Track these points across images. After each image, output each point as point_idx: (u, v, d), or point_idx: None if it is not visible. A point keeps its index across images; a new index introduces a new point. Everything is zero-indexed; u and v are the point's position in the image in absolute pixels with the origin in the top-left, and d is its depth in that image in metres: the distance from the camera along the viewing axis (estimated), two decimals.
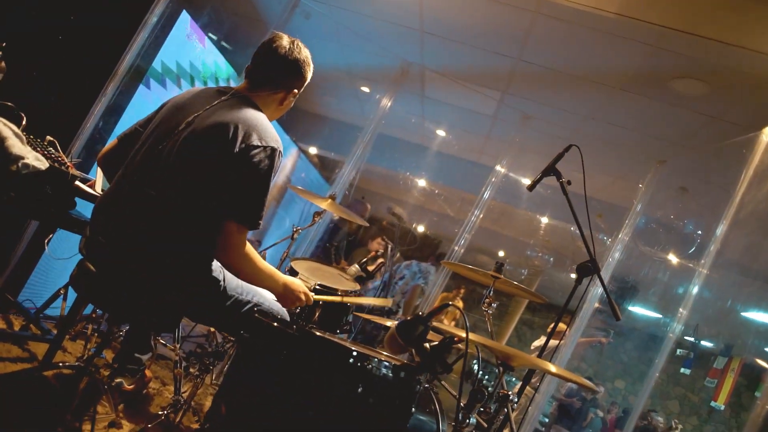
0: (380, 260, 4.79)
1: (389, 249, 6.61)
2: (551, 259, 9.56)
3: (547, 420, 8.66)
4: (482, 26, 4.11)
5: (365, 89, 6.07)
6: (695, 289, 2.97)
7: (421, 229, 10.61)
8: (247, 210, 1.93)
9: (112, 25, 3.46)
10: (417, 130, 6.79)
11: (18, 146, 2.15)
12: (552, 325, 2.81)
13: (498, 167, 5.16)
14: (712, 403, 14.45)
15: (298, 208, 7.18)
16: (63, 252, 3.31)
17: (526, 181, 5.72)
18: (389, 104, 5.19)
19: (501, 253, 11.44)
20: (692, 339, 14.75)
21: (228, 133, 1.90)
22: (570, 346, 4.30)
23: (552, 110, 5.01)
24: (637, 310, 8.95)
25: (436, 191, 8.65)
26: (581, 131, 5.12)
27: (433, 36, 4.49)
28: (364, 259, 3.48)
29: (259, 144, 1.93)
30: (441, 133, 6.63)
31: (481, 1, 3.72)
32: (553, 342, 5.60)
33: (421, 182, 8.54)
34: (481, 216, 5.37)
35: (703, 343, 15.17)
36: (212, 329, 3.59)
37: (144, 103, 3.84)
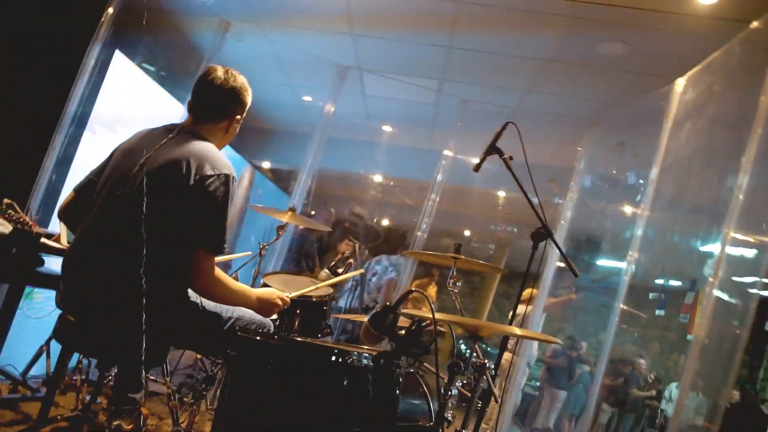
0: (349, 261, 4.91)
1: (356, 248, 6.76)
2: (515, 229, 9.80)
3: (538, 384, 8.85)
4: (410, 21, 4.25)
5: (308, 98, 6.19)
6: (639, 231, 3.15)
7: (385, 222, 10.78)
8: (210, 237, 2.04)
9: (49, 76, 3.50)
10: (364, 129, 6.96)
11: None
12: (520, 292, 2.98)
13: (446, 152, 5.34)
14: (688, 337, 14.95)
15: (261, 224, 7.27)
16: (36, 310, 3.36)
17: (475, 161, 5.92)
18: (333, 109, 5.31)
19: (467, 233, 11.63)
20: (662, 282, 15.27)
21: (182, 169, 2.01)
22: (539, 308, 4.52)
23: (489, 90, 5.20)
24: (603, 263, 9.28)
25: (392, 183, 8.81)
26: (520, 106, 5.31)
27: (365, 37, 4.63)
28: (333, 263, 3.62)
29: (213, 173, 2.04)
30: (387, 128, 6.78)
31: None
32: (526, 308, 5.84)
33: (377, 178, 8.69)
34: (438, 200, 5.57)
35: (672, 282, 15.71)
36: (198, 357, 3.68)
37: (92, 149, 3.89)
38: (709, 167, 2.18)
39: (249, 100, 2.35)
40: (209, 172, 2.03)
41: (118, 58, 4.06)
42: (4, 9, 3.32)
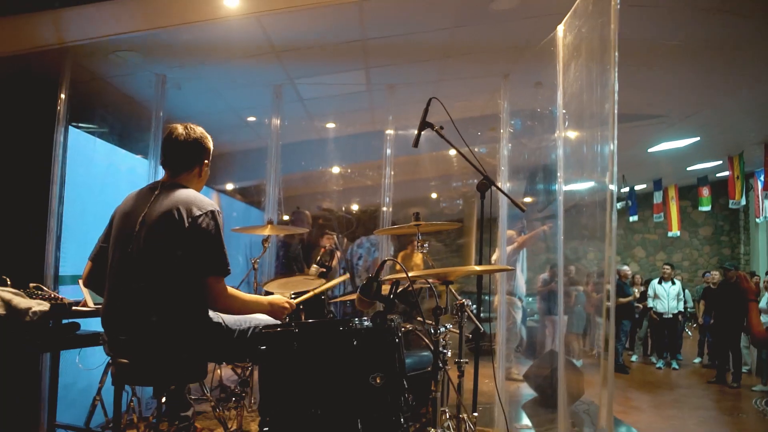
0: (336, 252, 5.34)
1: (336, 239, 7.16)
2: (475, 180, 10.21)
3: (537, 317, 9.28)
4: (322, 25, 4.50)
5: (252, 118, 6.51)
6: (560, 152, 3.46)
7: (354, 207, 11.15)
8: (216, 264, 2.47)
9: (25, 171, 3.86)
10: (311, 130, 7.27)
11: (22, 301, 2.63)
12: (480, 237, 3.40)
13: (388, 131, 5.72)
14: (669, 234, 15.58)
15: (244, 242, 7.59)
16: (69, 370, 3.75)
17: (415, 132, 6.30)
18: (278, 122, 5.63)
19: (434, 195, 12.06)
20: (626, 189, 15.88)
21: (175, 216, 2.43)
22: (506, 247, 4.93)
23: (410, 67, 5.51)
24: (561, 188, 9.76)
25: (350, 171, 9.17)
26: (441, 74, 5.64)
27: (287, 52, 4.91)
28: (319, 257, 4.05)
29: (201, 212, 2.47)
30: (331, 125, 7.15)
31: (308, 6, 4.17)
32: (508, 249, 6.28)
33: (335, 170, 9.06)
34: (393, 174, 5.82)
35: (637, 188, 16.35)
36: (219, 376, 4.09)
37: (73, 220, 4.29)
38: (592, 96, 2.59)
39: (210, 144, 2.77)
40: (197, 213, 2.46)
41: (74, 133, 4.33)
42: None
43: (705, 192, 13.93)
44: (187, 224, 2.43)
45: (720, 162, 12.31)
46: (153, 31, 3.44)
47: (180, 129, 2.68)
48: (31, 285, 2.96)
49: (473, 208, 12.99)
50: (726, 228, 17.44)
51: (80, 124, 4.17)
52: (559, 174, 3.53)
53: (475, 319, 2.84)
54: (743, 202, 12.00)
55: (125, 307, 2.46)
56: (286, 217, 7.03)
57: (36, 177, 3.86)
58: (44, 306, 2.71)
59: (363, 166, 9.03)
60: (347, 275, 3.82)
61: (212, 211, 2.51)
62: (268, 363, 2.29)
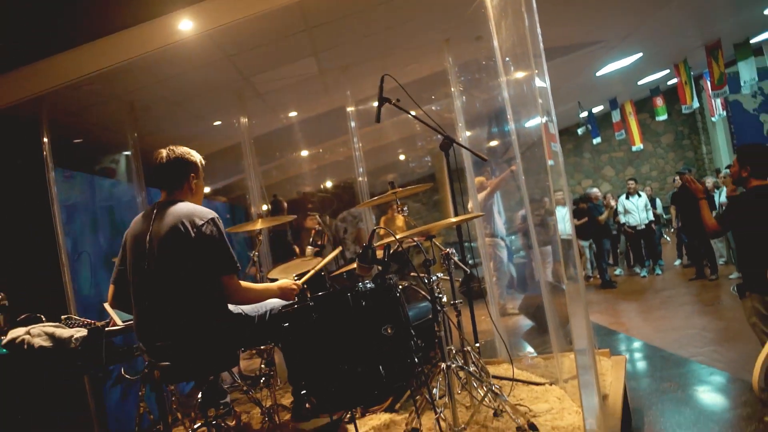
0: (325, 233, 5.65)
1: (320, 218, 7.43)
2: (439, 137, 10.53)
3: (523, 253, 9.70)
4: (267, 25, 4.57)
5: (218, 123, 6.75)
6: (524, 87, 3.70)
7: (329, 185, 11.43)
8: (226, 264, 2.77)
9: (26, 213, 4.12)
10: (278, 120, 7.49)
11: (64, 332, 2.94)
12: (452, 188, 3.72)
13: (349, 108, 5.99)
14: (633, 148, 16.03)
15: (237, 241, 7.77)
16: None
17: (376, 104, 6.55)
18: (246, 120, 5.87)
19: (402, 157, 12.38)
20: (584, 114, 16.30)
21: (181, 229, 2.73)
22: (475, 195, 5.24)
23: (355, 45, 5.70)
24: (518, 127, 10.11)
25: (321, 151, 9.44)
26: (386, 46, 5.83)
27: (239, 55, 5.08)
28: (311, 239, 4.37)
29: (203, 222, 2.77)
30: (293, 113, 7.38)
31: (252, 15, 4.31)
32: (481, 194, 6.58)
33: (304, 153, 9.32)
34: (361, 144, 6.04)
35: (594, 110, 16.78)
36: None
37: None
38: (524, 40, 2.83)
39: (195, 158, 3.03)
40: (200, 222, 2.76)
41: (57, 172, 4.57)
42: None
43: (659, 102, 14.32)
44: (193, 234, 2.72)
45: (668, 71, 12.71)
46: (118, 64, 3.66)
47: (164, 152, 2.95)
48: (63, 317, 3.25)
49: (443, 162, 13.35)
50: (686, 132, 18.01)
51: (63, 164, 4.39)
52: (508, 116, 3.84)
53: (461, 264, 3.20)
54: (695, 104, 12.45)
55: (155, 317, 2.76)
56: (265, 207, 7.28)
57: (37, 217, 4.12)
58: (83, 332, 3.01)
59: (331, 144, 9.30)
60: (339, 248, 4.10)
61: (213, 219, 2.81)
62: (293, 337, 2.64)
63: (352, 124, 6.02)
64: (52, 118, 4.15)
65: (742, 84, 10.79)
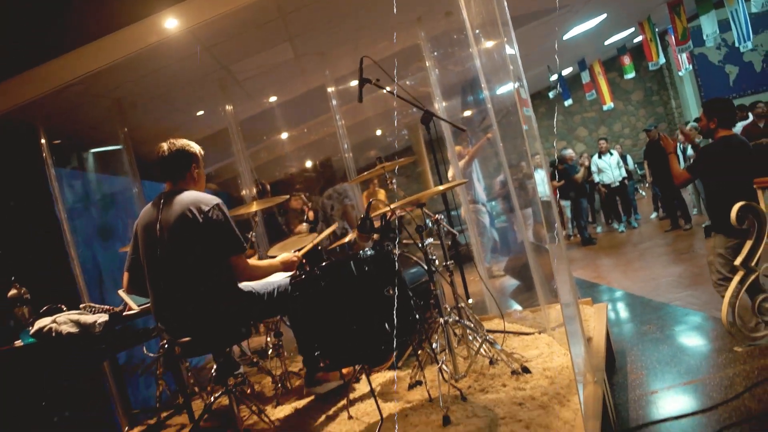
0: (310, 210, 5.87)
1: (304, 198, 7.62)
2: (413, 109, 10.73)
3: (504, 218, 9.93)
4: (243, 16, 4.62)
5: (200, 113, 6.86)
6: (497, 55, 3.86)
7: (308, 164, 11.60)
8: (233, 245, 2.98)
9: (31, 212, 4.29)
10: (261, 105, 7.64)
11: (88, 318, 3.16)
12: (435, 161, 3.95)
13: (330, 89, 6.17)
14: (604, 107, 16.31)
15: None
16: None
17: (355, 82, 6.72)
18: (230, 107, 6.04)
19: (378, 132, 12.54)
20: (554, 77, 16.53)
21: (189, 216, 2.93)
22: (455, 163, 5.48)
23: (324, 30, 5.87)
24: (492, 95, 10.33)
25: (306, 130, 9.59)
26: (359, 29, 5.97)
27: (220, 47, 5.20)
28: (305, 216, 4.60)
29: (208, 207, 2.97)
30: (273, 98, 7.52)
31: (231, 9, 4.35)
32: (460, 163, 6.80)
33: (284, 135, 9.48)
34: (344, 122, 6.24)
35: (564, 72, 17.04)
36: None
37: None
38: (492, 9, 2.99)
39: (195, 149, 3.21)
40: (206, 208, 2.96)
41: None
42: None
43: (626, 60, 14.53)
44: (201, 220, 2.91)
45: (633, 29, 12.95)
46: (107, 65, 3.82)
47: (165, 146, 3.14)
48: (81, 306, 3.46)
49: (419, 135, 13.57)
50: (655, 88, 18.33)
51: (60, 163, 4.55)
52: (482, 85, 4.05)
53: (450, 228, 3.46)
54: (662, 60, 12.73)
55: (171, 299, 2.96)
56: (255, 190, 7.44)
57: (41, 215, 4.30)
58: (104, 317, 3.23)
59: (314, 124, 9.46)
60: (335, 224, 4.32)
61: (218, 204, 3.00)
62: (303, 306, 2.88)
63: (334, 102, 6.21)
64: (47, 120, 4.29)
65: (704, 38, 11.04)
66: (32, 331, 3.07)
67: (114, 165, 5.38)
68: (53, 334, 3.02)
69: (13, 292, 3.36)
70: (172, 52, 4.73)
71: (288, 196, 5.57)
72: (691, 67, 12.69)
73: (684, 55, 12.67)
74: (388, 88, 3.84)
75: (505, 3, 2.91)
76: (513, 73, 3.02)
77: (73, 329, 3.06)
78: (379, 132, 12.53)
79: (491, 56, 3.95)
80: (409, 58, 6.67)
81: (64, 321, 3.07)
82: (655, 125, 12.05)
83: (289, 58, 6.28)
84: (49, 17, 3.52)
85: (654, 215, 11.77)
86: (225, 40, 5.17)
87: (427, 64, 5.30)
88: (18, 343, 3.19)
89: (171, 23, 3.70)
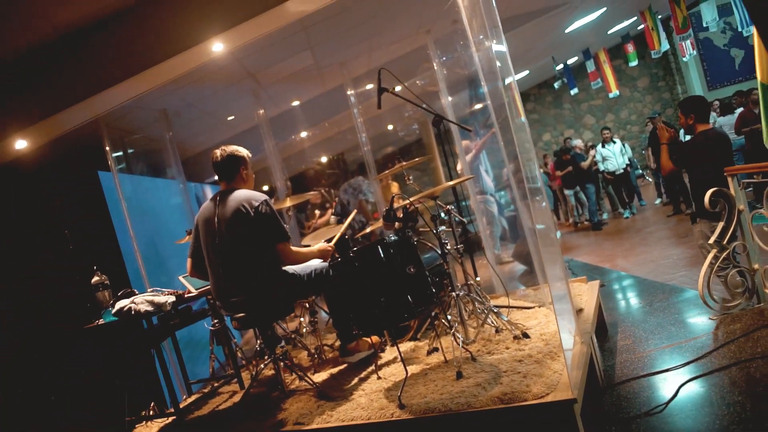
0: (327, 205, 6.42)
1: (323, 192, 8.10)
2: (423, 105, 11.21)
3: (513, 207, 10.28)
4: (274, 35, 5.08)
5: (231, 118, 7.45)
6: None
7: (324, 159, 12.09)
8: (279, 234, 3.52)
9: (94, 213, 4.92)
10: (284, 112, 8.21)
11: (159, 298, 3.77)
12: (446, 158, 4.46)
13: (349, 91, 6.68)
14: (610, 95, 16.39)
15: None
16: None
17: (370, 86, 7.26)
18: (262, 111, 6.58)
19: (390, 127, 13.02)
20: (560, 67, 16.82)
21: (242, 211, 3.48)
22: (463, 158, 5.98)
23: (346, 37, 6.32)
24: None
25: (327, 125, 10.08)
26: (374, 35, 6.40)
27: (249, 59, 5.72)
28: (329, 209, 5.15)
29: (258, 203, 3.51)
30: (296, 102, 8.05)
31: (266, 32, 4.66)
32: (468, 157, 7.26)
33: (304, 134, 10.01)
34: (361, 119, 6.65)
35: (569, 62, 17.30)
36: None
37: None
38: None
39: (243, 153, 3.74)
40: (256, 204, 3.51)
41: (105, 177, 5.33)
42: None
43: (630, 48, 14.71)
44: (252, 214, 3.47)
45: (635, 18, 13.14)
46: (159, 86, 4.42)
47: (217, 152, 3.70)
48: (149, 290, 4.06)
49: (429, 129, 14.03)
50: (660, 74, 18.45)
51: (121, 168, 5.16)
52: (482, 82, 4.51)
53: (460, 217, 4.02)
54: (665, 46, 12.90)
55: (229, 280, 3.53)
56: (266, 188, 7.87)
57: (106, 216, 4.93)
58: (172, 298, 3.84)
59: (334, 121, 9.97)
60: (355, 211, 4.94)
61: (266, 200, 3.56)
62: (339, 285, 3.47)
63: (352, 98, 6.66)
64: (109, 131, 4.90)
65: (704, 24, 11.20)
66: (113, 311, 3.68)
67: (161, 168, 5.98)
68: (132, 313, 3.62)
69: (96, 279, 3.98)
70: (211, 68, 5.26)
71: (317, 191, 6.12)
72: (695, 53, 12.81)
73: (688, 42, 12.85)
74: (403, 97, 4.34)
75: (496, 9, 3.29)
76: (500, 71, 3.22)
77: (149, 308, 3.66)
78: (390, 127, 13.02)
79: (487, 54, 4.39)
80: (417, 59, 7.13)
81: (141, 301, 3.67)
82: (660, 112, 12.36)
83: (310, 63, 6.77)
84: (119, 48, 4.10)
85: (658, 201, 12.16)
86: (253, 52, 5.66)
87: (435, 66, 5.78)
88: (100, 321, 3.81)
89: (217, 47, 4.25)
